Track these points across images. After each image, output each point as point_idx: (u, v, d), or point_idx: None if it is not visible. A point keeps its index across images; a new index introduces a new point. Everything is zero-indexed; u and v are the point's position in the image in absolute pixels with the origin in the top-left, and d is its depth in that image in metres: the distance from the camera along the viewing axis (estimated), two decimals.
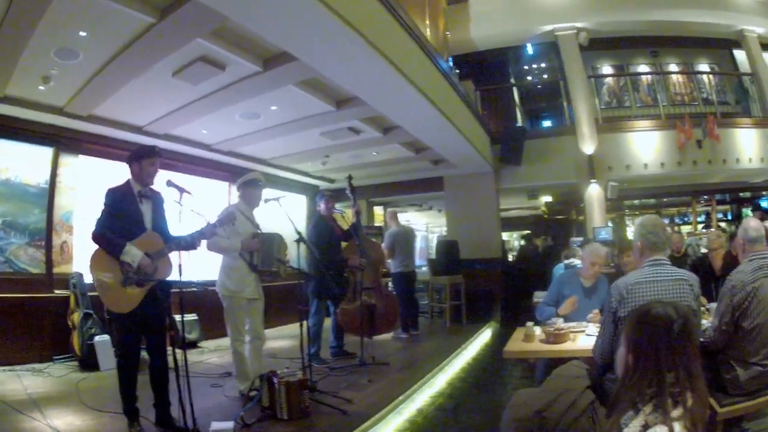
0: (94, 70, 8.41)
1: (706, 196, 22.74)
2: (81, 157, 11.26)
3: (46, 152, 10.65)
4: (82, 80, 8.75)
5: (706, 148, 17.04)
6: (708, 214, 23.09)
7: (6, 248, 10.01)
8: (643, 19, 18.53)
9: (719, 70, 20.67)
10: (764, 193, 21.89)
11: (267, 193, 7.92)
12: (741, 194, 23.08)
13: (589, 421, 3.41)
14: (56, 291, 10.33)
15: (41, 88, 8.85)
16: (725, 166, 17.44)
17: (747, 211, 21.86)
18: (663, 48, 20.33)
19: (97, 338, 9.40)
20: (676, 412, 2.33)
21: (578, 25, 18.26)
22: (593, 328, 5.93)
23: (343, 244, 10.02)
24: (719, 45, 20.16)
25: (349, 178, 9.95)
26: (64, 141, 10.85)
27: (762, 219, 12.89)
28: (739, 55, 20.06)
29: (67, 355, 9.79)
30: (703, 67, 20.78)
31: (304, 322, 7.39)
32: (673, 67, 20.63)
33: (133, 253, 5.53)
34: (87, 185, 10.92)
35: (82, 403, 6.99)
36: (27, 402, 7.12)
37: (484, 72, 20.31)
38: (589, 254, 7.11)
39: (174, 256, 5.78)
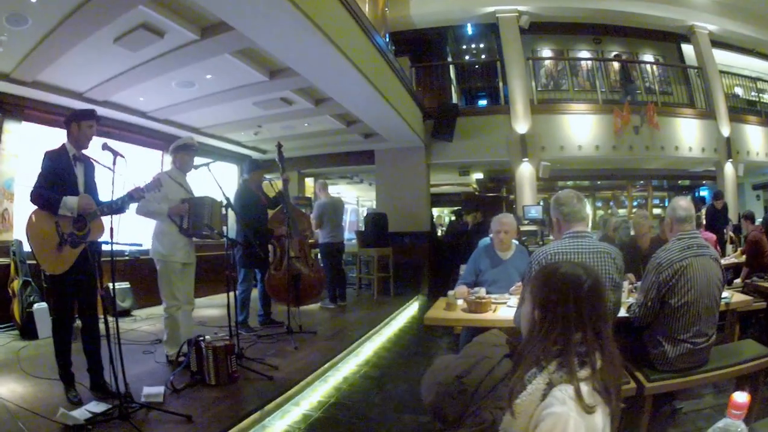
0: (42, 36, 8.57)
1: (642, 182, 23.32)
2: (24, 123, 11.32)
3: None
4: (29, 46, 8.91)
5: (644, 134, 17.64)
6: (646, 200, 23.52)
7: None
8: (587, 7, 18.87)
9: (663, 62, 21.12)
10: (704, 182, 22.49)
11: (199, 160, 8.04)
12: (680, 182, 23.79)
13: (507, 389, 2.92)
14: None
15: None
16: (663, 153, 18.10)
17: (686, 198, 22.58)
18: (606, 36, 20.74)
19: (36, 306, 9.48)
20: (583, 372, 2.39)
21: (520, 8, 18.55)
22: (515, 300, 5.96)
23: (271, 212, 10.29)
24: (666, 38, 20.72)
25: (279, 146, 10.08)
26: (8, 107, 10.90)
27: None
28: (687, 48, 20.58)
29: (8, 324, 9.91)
30: (648, 57, 21.24)
31: (232, 291, 7.68)
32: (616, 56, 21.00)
33: (69, 204, 5.75)
34: (29, 152, 10.88)
35: (23, 371, 7.19)
36: None
37: (422, 49, 20.53)
38: (494, 223, 7.26)
39: (106, 221, 5.80)
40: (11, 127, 11.07)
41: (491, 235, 7.37)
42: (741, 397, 2.07)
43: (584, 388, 2.31)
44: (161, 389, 6.01)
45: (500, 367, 3.34)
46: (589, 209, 24.29)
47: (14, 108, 11.06)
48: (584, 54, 21.23)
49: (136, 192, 6.24)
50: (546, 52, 21.28)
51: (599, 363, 2.44)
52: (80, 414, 5.19)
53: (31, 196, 5.83)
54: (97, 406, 5.42)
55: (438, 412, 3.49)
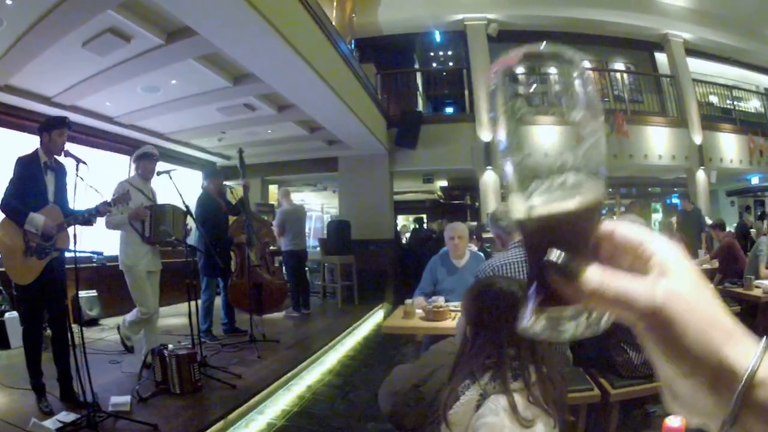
0: (15, 38, 8.59)
1: (611, 189, 23.41)
2: None
3: None
4: (2, 49, 8.91)
5: (611, 142, 17.61)
6: (611, 207, 23.47)
7: None
8: (558, 15, 19.02)
9: (635, 70, 21.39)
10: (675, 189, 22.77)
11: (161, 166, 8.18)
12: (650, 189, 24.17)
13: (447, 382, 2.98)
14: None
15: None
16: (632, 161, 18.40)
17: (656, 206, 22.77)
18: (576, 45, 20.61)
19: (6, 315, 9.49)
20: (516, 384, 2.45)
21: (489, 16, 18.77)
22: None
23: (231, 218, 10.35)
24: (638, 46, 20.92)
25: (240, 151, 10.32)
26: None
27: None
28: (660, 57, 20.84)
29: None
30: (619, 66, 21.42)
31: (194, 300, 7.75)
32: (585, 64, 21.03)
33: (35, 222, 5.84)
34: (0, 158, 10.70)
35: None
36: None
37: (389, 56, 20.53)
38: (447, 230, 7.44)
39: (71, 228, 5.95)
40: None
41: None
42: (675, 422, 2.19)
43: (518, 399, 2.39)
44: (128, 399, 6.09)
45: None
46: None
47: None
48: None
49: (103, 206, 6.38)
50: None
51: (533, 377, 2.50)
52: (52, 424, 5.28)
53: (3, 207, 5.95)
54: (67, 416, 5.50)
55: (397, 421, 3.61)
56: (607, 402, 5.03)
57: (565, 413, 2.60)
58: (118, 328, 8.01)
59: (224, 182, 10.76)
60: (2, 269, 7.08)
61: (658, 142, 18.95)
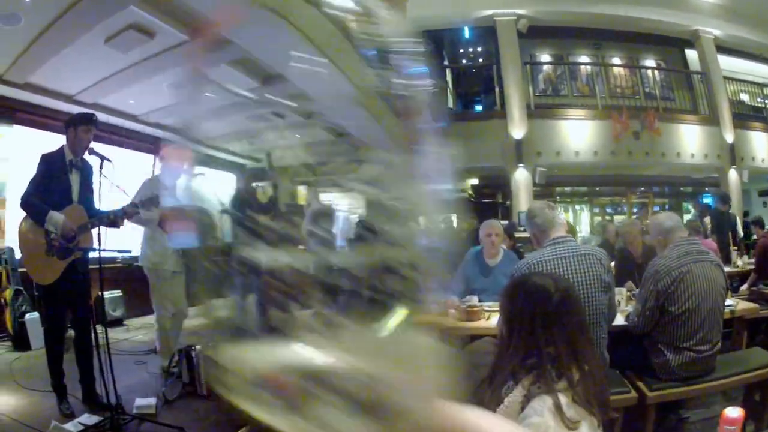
0: (35, 35, 8.57)
1: (642, 188, 23.35)
2: (15, 127, 11.22)
3: None
4: (22, 46, 8.90)
5: (644, 140, 17.65)
6: (644, 205, 23.34)
7: None
8: (588, 11, 18.64)
9: (666, 67, 21.11)
10: (706, 189, 22.37)
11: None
12: (682, 188, 23.70)
13: (488, 384, 2.90)
14: None
15: None
16: (664, 160, 18.16)
17: (687, 205, 22.50)
18: (607, 41, 20.57)
19: (27, 316, 9.38)
20: (561, 384, 2.38)
21: (519, 11, 18.41)
22: None
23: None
24: (669, 43, 20.60)
25: (269, 154, 9.97)
26: (0, 110, 10.86)
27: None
28: (691, 54, 20.52)
29: (0, 335, 9.79)
30: (650, 63, 21.20)
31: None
32: (616, 61, 20.93)
33: (54, 220, 5.69)
34: (20, 157, 10.58)
35: (15, 383, 7.10)
36: None
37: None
38: (481, 228, 7.25)
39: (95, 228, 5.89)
40: (2, 130, 10.99)
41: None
42: (734, 412, 2.05)
43: (563, 399, 2.31)
44: (153, 401, 6.04)
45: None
46: (587, 216, 24.38)
47: (5, 111, 10.98)
48: (584, 59, 21.16)
49: (130, 208, 6.23)
50: (545, 56, 21.26)
51: (576, 376, 2.44)
52: (73, 427, 5.21)
53: (20, 201, 5.86)
54: (89, 419, 5.42)
55: None
56: (644, 405, 4.90)
57: (608, 412, 2.60)
58: (161, 368, 7.56)
59: (255, 183, 10.49)
60: (23, 269, 6.99)
61: (690, 140, 18.71)
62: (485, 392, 2.61)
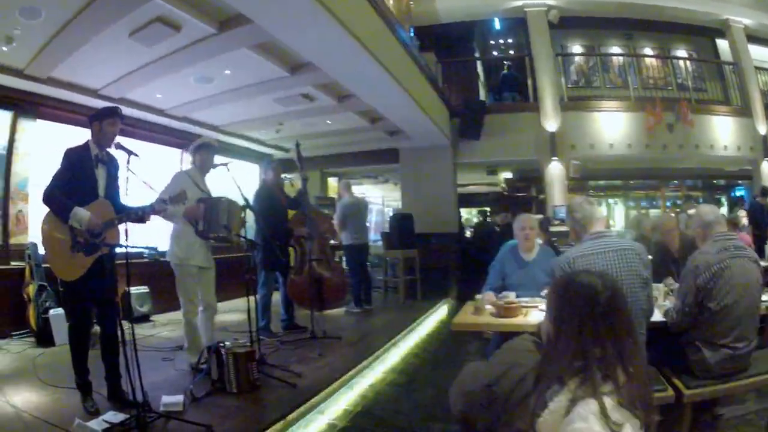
0: (56, 29, 8.46)
1: (676, 181, 23.19)
2: (39, 121, 11.16)
3: (5, 117, 10.59)
4: (43, 40, 8.80)
5: (677, 132, 17.51)
6: (689, 197, 22.53)
7: None
8: (618, 1, 18.71)
9: (697, 57, 20.88)
10: (739, 182, 22.23)
11: (218, 159, 7.95)
12: (715, 181, 23.53)
13: (533, 388, 2.87)
14: (12, 263, 10.32)
15: (4, 48, 8.91)
16: (697, 152, 17.98)
17: (721, 198, 22.27)
18: (638, 31, 20.51)
19: (51, 312, 9.38)
20: (606, 387, 2.33)
21: (549, 2, 18.41)
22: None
23: (291, 212, 10.15)
24: (699, 33, 20.47)
25: (297, 145, 9.99)
26: (23, 105, 10.77)
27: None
28: (722, 44, 20.32)
29: (24, 330, 9.80)
30: (681, 53, 21.04)
31: (252, 295, 7.47)
32: (648, 51, 20.79)
33: (79, 216, 5.58)
34: (43, 151, 10.79)
35: (38, 379, 7.08)
36: None
37: (448, 45, 20.28)
38: (516, 222, 7.28)
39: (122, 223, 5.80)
40: (25, 125, 10.90)
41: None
42: None
43: (608, 402, 2.26)
44: (180, 398, 5.93)
45: (531, 374, 3.03)
46: (621, 210, 24.15)
47: (28, 106, 10.91)
48: (615, 50, 21.00)
49: (159, 204, 6.20)
50: (576, 47, 21.14)
51: (622, 378, 2.37)
52: (97, 425, 5.11)
53: (43, 196, 5.75)
54: (114, 417, 5.32)
55: (467, 424, 3.43)
56: (680, 403, 4.85)
57: (651, 414, 2.43)
58: (189, 365, 7.52)
59: (282, 175, 10.66)
60: (47, 265, 6.95)
61: (722, 132, 18.49)
62: (530, 396, 2.58)
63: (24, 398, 6.35)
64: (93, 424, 5.11)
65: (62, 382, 6.58)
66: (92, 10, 7.89)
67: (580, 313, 2.52)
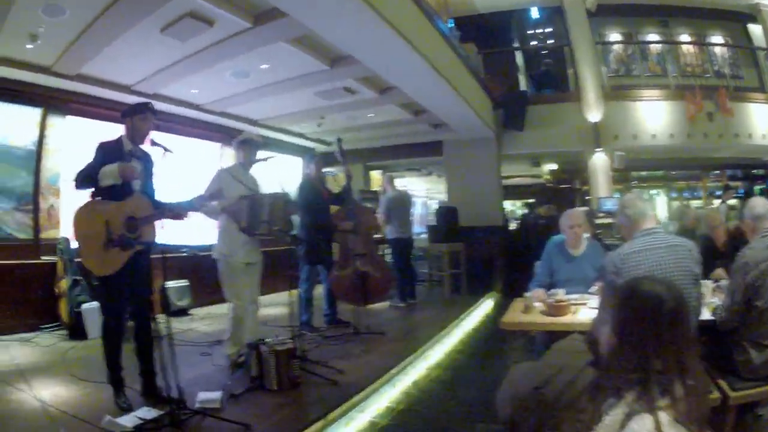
0: (82, 27, 8.45)
1: (717, 171, 22.87)
2: (69, 117, 11.28)
3: (35, 113, 10.69)
4: (69, 38, 8.81)
5: (717, 121, 17.13)
6: (728, 187, 22.55)
7: None
8: None
9: (729, 43, 20.45)
10: None
11: (261, 154, 7.92)
12: (754, 171, 23.10)
13: (589, 401, 2.80)
14: (43, 257, 10.43)
15: (29, 46, 8.91)
16: (737, 141, 17.54)
17: (759, 188, 21.96)
18: (673, 17, 20.13)
19: (84, 306, 9.42)
20: (663, 401, 2.24)
21: None
22: (596, 301, 5.64)
23: (334, 208, 10.01)
24: (733, 18, 20.03)
25: (339, 141, 9.93)
26: (52, 101, 10.86)
27: None
28: (754, 29, 19.92)
29: (54, 324, 9.87)
30: (716, 39, 20.61)
31: (294, 290, 7.52)
32: (684, 38, 20.46)
33: (109, 171, 5.55)
34: (74, 147, 10.86)
35: (69, 373, 7.09)
36: (13, 372, 7.25)
37: (487, 35, 19.92)
38: (565, 219, 7.05)
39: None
40: (55, 121, 11.04)
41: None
42: None
43: (664, 418, 2.16)
44: (218, 395, 5.87)
45: (582, 377, 3.08)
46: (663, 200, 23.96)
47: (58, 102, 11.03)
48: (652, 37, 20.65)
49: (199, 201, 6.32)
50: (614, 35, 20.78)
51: (680, 391, 2.27)
52: (128, 421, 5.06)
53: (74, 181, 5.73)
54: (148, 413, 5.26)
55: (513, 427, 3.38)
56: (726, 405, 4.70)
57: (705, 429, 2.33)
58: (228, 357, 7.48)
59: (324, 169, 10.63)
60: (80, 259, 6.93)
61: (760, 120, 18.01)
62: (586, 407, 2.48)
63: (52, 392, 6.35)
64: (124, 420, 5.07)
65: (94, 377, 6.59)
66: (118, 7, 7.87)
67: (645, 325, 2.41)
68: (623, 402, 2.26)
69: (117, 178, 5.55)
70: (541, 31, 23.37)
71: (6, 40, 8.62)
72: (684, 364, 2.32)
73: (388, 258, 13.10)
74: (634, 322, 2.43)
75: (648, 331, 2.37)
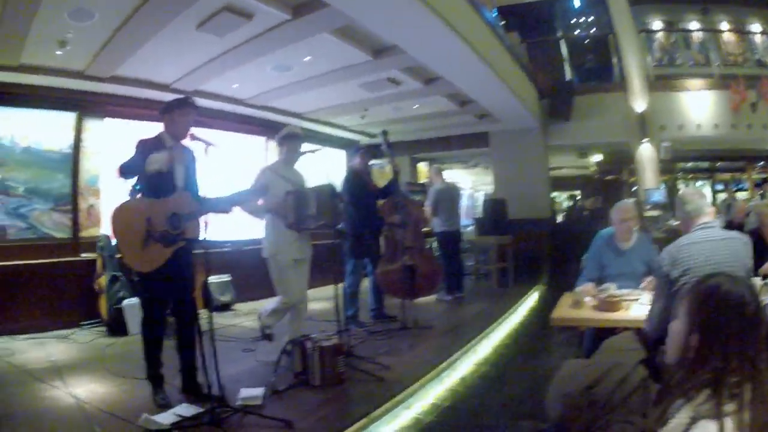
0: (113, 29, 8.46)
1: (762, 163, 22.47)
2: (106, 120, 11.42)
3: (69, 117, 10.87)
4: (100, 41, 8.82)
5: (761, 111, 16.88)
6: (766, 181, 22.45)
7: (29, 214, 10.33)
8: None
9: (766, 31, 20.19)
10: None
11: (306, 147, 7.83)
12: None
13: (641, 400, 3.10)
14: (82, 255, 10.52)
15: (58, 52, 8.96)
16: None
17: None
18: (714, 5, 19.81)
19: (125, 302, 9.46)
20: (731, 407, 2.15)
21: None
22: (647, 297, 5.51)
23: (380, 201, 9.90)
24: (766, 4, 19.77)
25: (384, 133, 9.72)
26: (87, 105, 10.99)
27: None
28: None
29: (94, 320, 9.91)
30: (755, 27, 20.23)
31: (340, 284, 7.38)
32: (724, 26, 20.11)
33: (156, 158, 5.46)
34: (113, 148, 10.80)
35: (106, 370, 7.09)
36: (49, 370, 7.21)
37: (530, 25, 20.00)
38: (616, 212, 6.73)
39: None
40: (91, 124, 11.17)
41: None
42: None
43: (728, 425, 2.07)
44: (260, 391, 5.81)
45: (634, 375, 3.17)
46: (708, 193, 23.60)
47: (94, 105, 11.14)
48: (694, 25, 20.28)
49: (242, 197, 6.30)
50: (657, 23, 20.40)
51: (749, 396, 2.17)
52: (166, 418, 4.99)
53: (117, 171, 5.63)
54: (186, 410, 5.21)
55: (563, 427, 3.35)
56: None
57: None
58: (259, 316, 7.56)
59: (371, 162, 10.56)
60: (120, 255, 6.92)
61: None
62: (651, 410, 2.48)
63: (89, 389, 6.31)
64: (162, 417, 5.01)
65: (134, 373, 6.53)
66: (150, 6, 7.82)
67: (728, 322, 2.32)
68: (691, 404, 2.18)
69: (164, 165, 5.46)
70: (584, 19, 23.14)
71: (34, 47, 8.69)
72: (758, 367, 2.23)
73: (435, 251, 12.85)
74: (718, 322, 2.35)
75: (732, 332, 2.30)
